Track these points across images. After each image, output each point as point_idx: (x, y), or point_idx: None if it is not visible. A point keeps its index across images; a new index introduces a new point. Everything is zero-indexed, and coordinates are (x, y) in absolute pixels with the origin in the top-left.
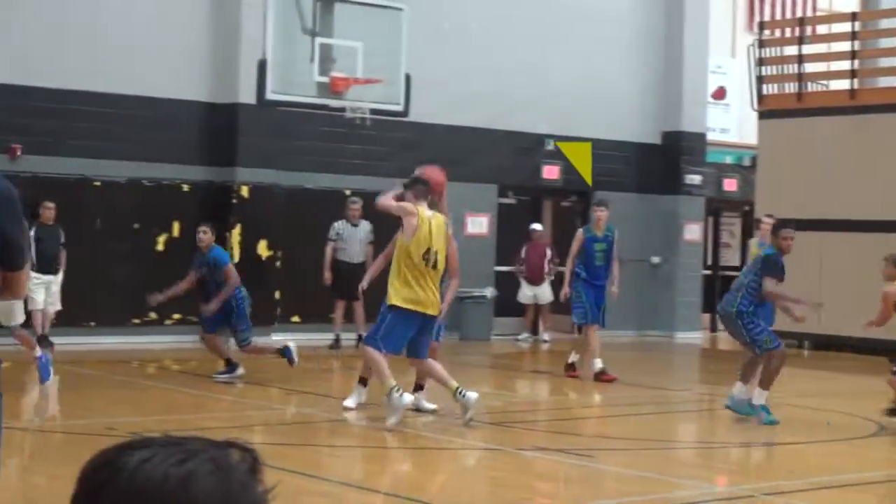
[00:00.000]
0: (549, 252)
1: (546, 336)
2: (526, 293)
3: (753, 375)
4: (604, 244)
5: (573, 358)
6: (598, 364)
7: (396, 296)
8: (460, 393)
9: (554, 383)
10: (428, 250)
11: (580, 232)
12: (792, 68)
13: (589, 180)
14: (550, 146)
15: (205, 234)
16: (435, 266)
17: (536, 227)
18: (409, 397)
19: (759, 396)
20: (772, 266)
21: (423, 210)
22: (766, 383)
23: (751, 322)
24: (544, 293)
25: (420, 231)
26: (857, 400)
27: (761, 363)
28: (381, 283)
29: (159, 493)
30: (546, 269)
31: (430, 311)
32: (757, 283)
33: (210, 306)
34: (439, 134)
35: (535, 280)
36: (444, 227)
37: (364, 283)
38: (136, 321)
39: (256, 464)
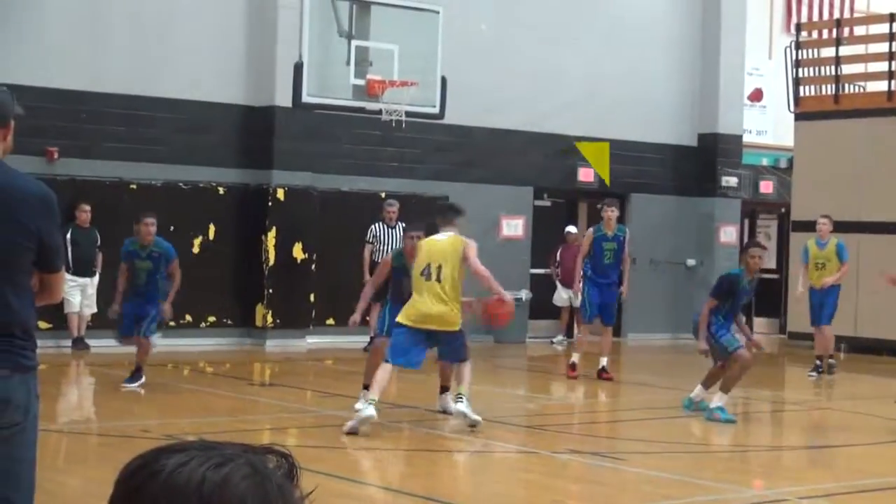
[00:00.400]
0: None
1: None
2: (561, 296)
3: (715, 383)
4: (613, 244)
5: (603, 362)
6: (575, 359)
7: (402, 313)
8: (459, 397)
9: (589, 386)
10: (428, 266)
11: (590, 231)
12: (829, 70)
13: (607, 180)
14: None
15: (154, 227)
16: (438, 279)
17: (572, 229)
18: (372, 412)
19: (718, 399)
20: (718, 286)
21: (431, 238)
22: (727, 387)
23: (716, 329)
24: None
25: (419, 255)
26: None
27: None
28: None
29: (196, 496)
30: None
31: (435, 327)
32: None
33: (167, 307)
34: (475, 136)
35: (571, 282)
36: (456, 244)
37: (356, 317)
38: (172, 324)
39: (293, 468)
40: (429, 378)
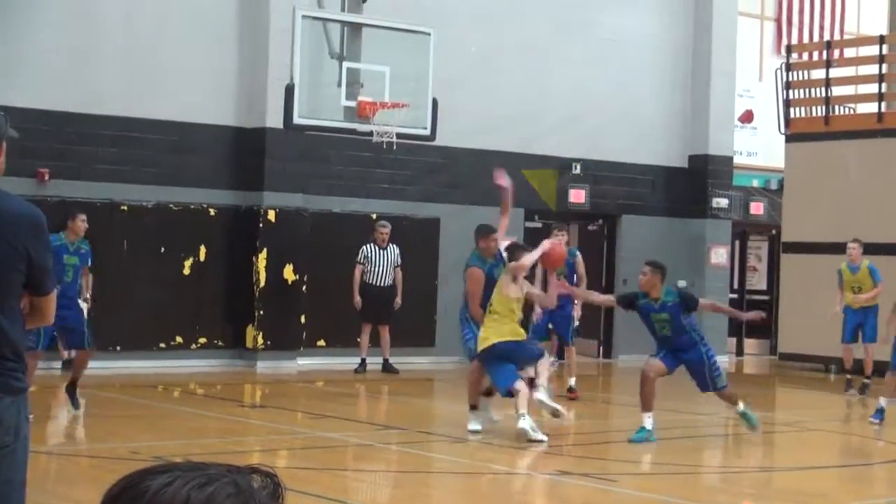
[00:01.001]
0: (574, 276)
1: None
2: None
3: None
4: (563, 268)
5: (570, 382)
6: (571, 382)
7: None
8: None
9: (579, 407)
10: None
11: None
12: (819, 92)
13: (553, 206)
14: (577, 170)
15: (86, 224)
16: None
17: None
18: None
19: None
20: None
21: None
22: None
23: (656, 349)
24: None
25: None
26: (889, 425)
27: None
28: (410, 308)
29: None
30: None
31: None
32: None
33: (88, 299)
34: (466, 158)
35: None
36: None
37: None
38: (162, 345)
39: (278, 488)
40: (418, 400)
